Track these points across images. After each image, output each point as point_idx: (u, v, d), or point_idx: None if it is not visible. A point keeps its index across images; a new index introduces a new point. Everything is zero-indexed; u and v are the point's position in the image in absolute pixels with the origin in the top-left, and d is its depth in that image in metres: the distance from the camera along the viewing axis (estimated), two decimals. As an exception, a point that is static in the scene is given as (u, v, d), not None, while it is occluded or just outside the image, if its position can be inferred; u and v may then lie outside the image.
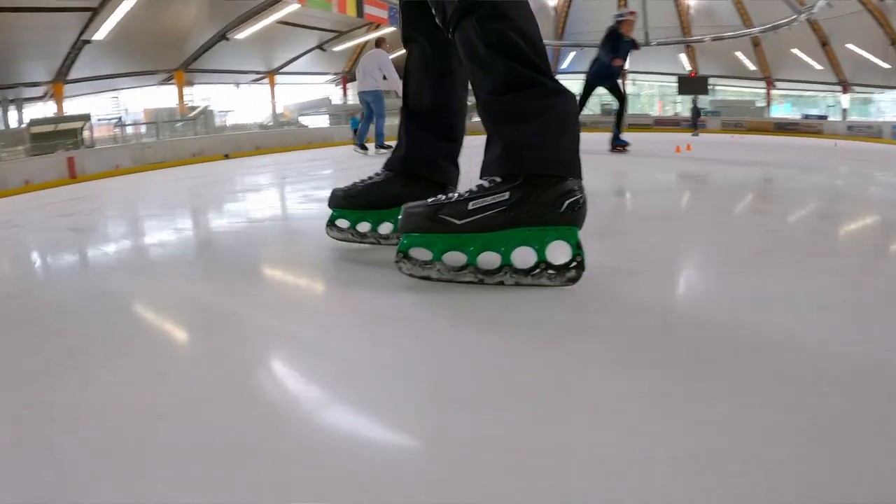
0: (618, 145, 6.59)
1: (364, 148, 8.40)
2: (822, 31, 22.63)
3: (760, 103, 27.42)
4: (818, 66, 24.96)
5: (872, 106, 24.92)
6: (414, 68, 1.54)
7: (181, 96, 20.49)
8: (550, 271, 1.14)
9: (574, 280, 1.14)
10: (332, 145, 13.95)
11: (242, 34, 19.15)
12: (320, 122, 23.69)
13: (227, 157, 11.94)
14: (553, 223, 1.14)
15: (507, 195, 1.13)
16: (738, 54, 26.61)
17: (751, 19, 23.99)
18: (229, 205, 3.33)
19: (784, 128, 19.71)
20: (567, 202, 1.14)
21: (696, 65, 28.54)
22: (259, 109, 24.09)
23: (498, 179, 1.16)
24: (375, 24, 22.05)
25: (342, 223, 1.57)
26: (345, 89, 26.80)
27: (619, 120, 6.81)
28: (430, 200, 1.17)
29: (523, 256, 1.14)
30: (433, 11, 1.29)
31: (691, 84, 27.97)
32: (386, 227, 1.56)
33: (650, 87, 30.85)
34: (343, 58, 25.57)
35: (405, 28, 1.54)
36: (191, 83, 21.12)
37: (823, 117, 21.10)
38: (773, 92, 28.14)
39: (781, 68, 26.45)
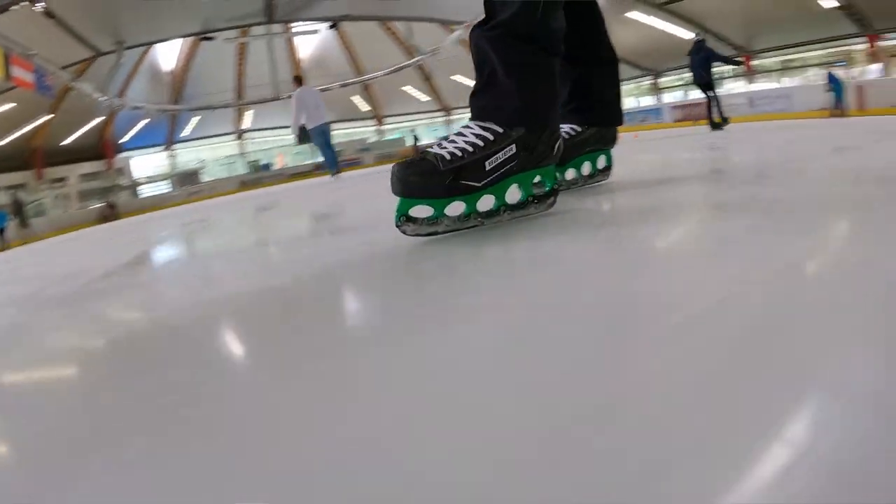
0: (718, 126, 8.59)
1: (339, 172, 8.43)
2: (427, 69, 26.42)
3: (373, 138, 30.33)
4: (424, 98, 29.14)
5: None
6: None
7: None
8: (536, 202, 1.25)
9: (553, 204, 1.28)
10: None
11: None
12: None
13: None
14: (544, 166, 1.25)
15: (513, 149, 1.17)
16: (354, 98, 29.21)
17: (363, 66, 26.66)
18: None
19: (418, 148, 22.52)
20: (556, 147, 1.27)
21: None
22: None
23: (500, 130, 1.17)
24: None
25: (569, 173, 1.66)
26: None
27: (715, 105, 9.23)
28: (440, 164, 1.12)
29: (513, 194, 1.22)
30: None
31: (309, 133, 29.48)
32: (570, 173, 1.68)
33: (265, 144, 31.19)
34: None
35: None
36: None
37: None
38: (383, 128, 31.66)
39: (392, 105, 29.96)
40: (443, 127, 30.46)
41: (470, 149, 1.13)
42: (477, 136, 1.16)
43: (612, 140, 1.70)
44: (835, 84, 13.63)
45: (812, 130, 3.91)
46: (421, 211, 1.14)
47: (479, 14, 1.26)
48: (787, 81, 19.56)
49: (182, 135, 27.77)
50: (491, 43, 1.21)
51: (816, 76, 17.10)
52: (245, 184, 22.39)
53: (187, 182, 25.71)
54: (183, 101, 25.53)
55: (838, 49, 18.07)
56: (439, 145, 1.15)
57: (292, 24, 24.10)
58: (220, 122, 27.17)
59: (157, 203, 20.45)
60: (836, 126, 4.89)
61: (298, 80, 8.72)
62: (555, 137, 1.26)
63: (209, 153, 29.77)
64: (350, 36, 25.98)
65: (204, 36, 19.82)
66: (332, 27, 21.52)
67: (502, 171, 1.16)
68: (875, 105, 13.17)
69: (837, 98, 13.46)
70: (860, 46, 17.31)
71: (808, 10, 16.35)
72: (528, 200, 1.23)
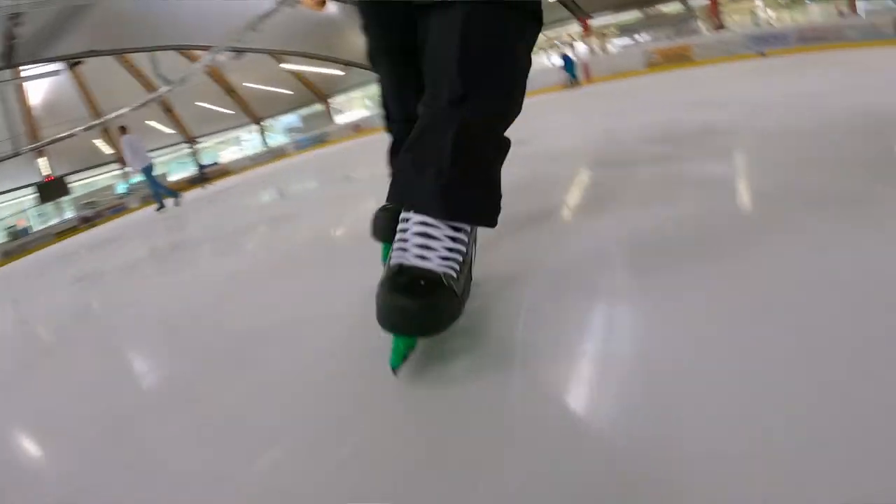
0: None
1: (163, 207, 9.65)
2: (167, 101, 24.85)
3: (121, 183, 27.29)
4: (169, 131, 27.39)
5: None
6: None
7: None
8: None
9: None
10: None
11: None
12: None
13: None
14: None
15: (474, 249, 1.01)
16: (97, 142, 26.50)
17: (99, 107, 24.36)
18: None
19: (205, 178, 21.23)
20: None
21: (53, 166, 27.08)
22: None
23: (469, 230, 0.94)
24: None
25: None
26: None
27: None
28: (453, 286, 0.85)
29: None
30: None
31: (52, 188, 26.24)
32: None
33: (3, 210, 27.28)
34: None
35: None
36: None
37: (215, 163, 24.33)
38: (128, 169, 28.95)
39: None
40: (190, 159, 28.68)
41: (459, 258, 0.89)
42: (454, 239, 0.90)
43: None
44: (568, 63, 15.72)
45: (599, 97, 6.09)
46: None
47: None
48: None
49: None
50: (486, 131, 0.96)
51: (547, 59, 19.35)
52: (9, 254, 19.28)
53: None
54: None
55: (557, 32, 20.30)
56: (414, 254, 0.87)
57: (25, 68, 21.30)
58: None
59: None
60: (591, 93, 6.41)
61: (123, 129, 10.59)
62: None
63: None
64: (85, 74, 23.61)
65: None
66: (75, 65, 19.37)
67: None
68: (597, 75, 15.42)
69: (571, 74, 15.56)
70: (575, 29, 19.69)
71: (529, 3, 18.34)
72: None
